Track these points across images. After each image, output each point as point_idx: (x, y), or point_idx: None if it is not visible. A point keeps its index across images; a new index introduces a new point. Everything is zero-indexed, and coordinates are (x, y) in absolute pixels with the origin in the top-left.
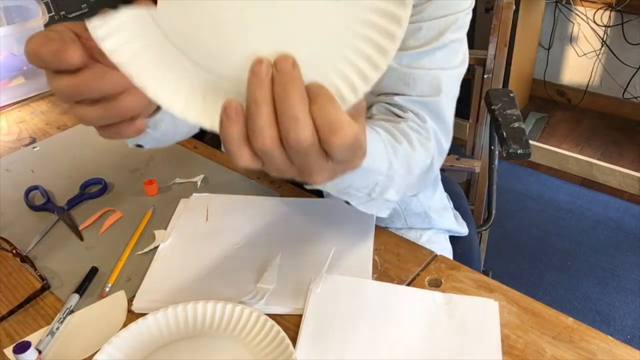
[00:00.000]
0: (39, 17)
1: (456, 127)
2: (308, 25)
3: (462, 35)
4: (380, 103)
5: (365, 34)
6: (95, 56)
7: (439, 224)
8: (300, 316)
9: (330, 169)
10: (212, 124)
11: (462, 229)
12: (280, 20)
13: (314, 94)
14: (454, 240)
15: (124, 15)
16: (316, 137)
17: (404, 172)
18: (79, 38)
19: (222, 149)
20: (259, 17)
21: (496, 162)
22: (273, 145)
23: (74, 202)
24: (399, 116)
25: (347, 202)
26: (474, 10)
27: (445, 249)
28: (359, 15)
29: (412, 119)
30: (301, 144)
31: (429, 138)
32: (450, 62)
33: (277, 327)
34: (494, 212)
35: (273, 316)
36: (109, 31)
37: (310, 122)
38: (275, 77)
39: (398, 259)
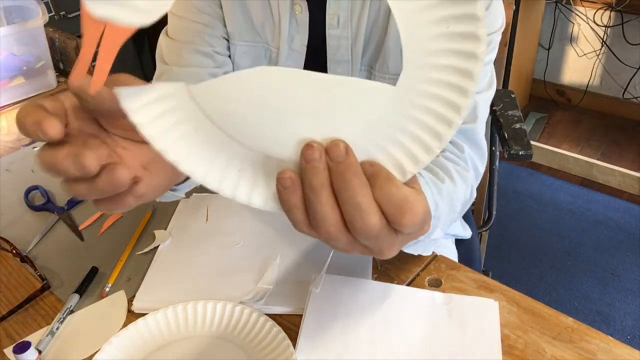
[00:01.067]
0: (39, 17)
1: None
2: (361, 102)
3: (494, 56)
4: None
5: (425, 104)
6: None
7: (448, 230)
8: (300, 316)
9: (400, 242)
10: (247, 198)
11: (466, 233)
12: (330, 102)
13: (370, 174)
14: (455, 241)
15: (158, 89)
16: (384, 220)
17: (448, 210)
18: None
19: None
20: (306, 100)
21: (497, 163)
22: (338, 231)
23: (74, 202)
24: None
25: None
26: None
27: (451, 252)
28: (416, 88)
29: (450, 149)
30: (370, 231)
31: (467, 168)
32: (482, 85)
33: (277, 327)
34: (494, 212)
35: (273, 316)
36: (141, 104)
37: (376, 208)
38: (329, 165)
39: (398, 259)
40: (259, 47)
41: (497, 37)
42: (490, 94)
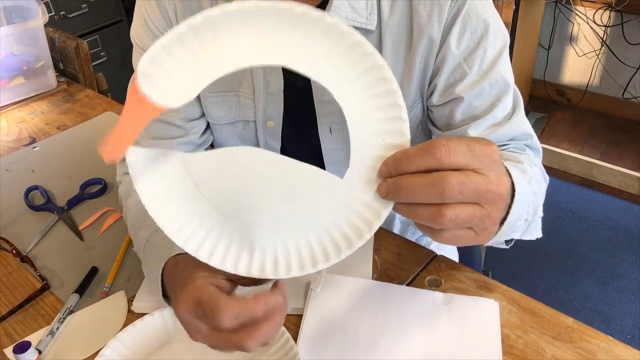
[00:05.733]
0: (39, 17)
1: None
2: (321, 187)
3: (511, 79)
4: None
5: (348, 215)
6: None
7: None
8: (300, 316)
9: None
10: (207, 256)
11: None
12: (297, 183)
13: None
14: None
15: (158, 153)
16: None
17: (538, 187)
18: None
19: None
20: (279, 178)
21: None
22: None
23: (74, 202)
24: None
25: (507, 243)
26: None
27: (452, 252)
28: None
29: (512, 149)
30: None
31: (530, 157)
32: (508, 112)
33: (282, 328)
34: None
35: None
36: (141, 166)
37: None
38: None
39: (398, 259)
40: (230, 95)
41: (505, 54)
42: (520, 111)
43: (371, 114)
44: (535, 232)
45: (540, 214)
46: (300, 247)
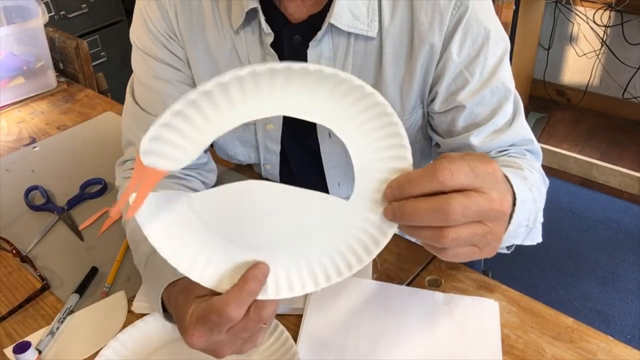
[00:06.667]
0: (39, 17)
1: None
2: (324, 213)
3: (512, 85)
4: None
5: (356, 234)
6: None
7: None
8: (300, 316)
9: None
10: (222, 287)
11: None
12: (300, 211)
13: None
14: None
15: (161, 196)
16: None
17: (538, 194)
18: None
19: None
20: (282, 207)
21: None
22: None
23: (74, 202)
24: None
25: (508, 248)
26: None
27: None
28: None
29: (512, 154)
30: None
31: (531, 161)
32: (508, 117)
33: (281, 327)
34: None
35: None
36: (147, 210)
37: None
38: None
39: (398, 259)
40: None
41: (506, 60)
42: (520, 116)
43: (374, 143)
44: (535, 238)
45: (541, 219)
46: (306, 268)
